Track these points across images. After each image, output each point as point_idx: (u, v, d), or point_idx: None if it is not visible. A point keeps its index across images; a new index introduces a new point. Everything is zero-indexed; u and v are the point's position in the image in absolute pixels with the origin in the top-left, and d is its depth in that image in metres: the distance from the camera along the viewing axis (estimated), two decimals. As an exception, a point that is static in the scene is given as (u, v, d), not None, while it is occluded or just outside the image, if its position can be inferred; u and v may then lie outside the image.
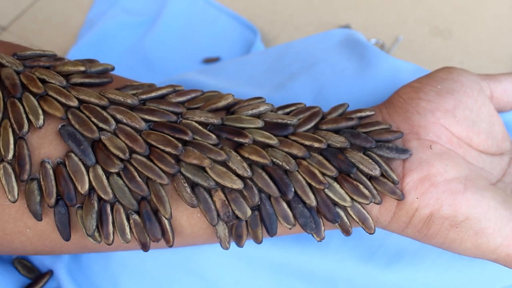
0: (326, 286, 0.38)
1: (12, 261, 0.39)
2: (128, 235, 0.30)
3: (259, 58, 0.51)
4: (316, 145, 0.31)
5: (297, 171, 0.30)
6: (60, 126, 0.30)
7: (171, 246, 0.31)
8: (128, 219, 0.30)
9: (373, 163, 0.31)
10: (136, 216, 0.30)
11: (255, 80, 0.47)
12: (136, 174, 0.30)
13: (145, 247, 0.31)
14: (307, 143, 0.31)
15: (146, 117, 0.31)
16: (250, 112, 0.32)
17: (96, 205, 0.30)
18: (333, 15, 0.86)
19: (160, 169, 0.29)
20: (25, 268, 0.39)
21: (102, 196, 0.29)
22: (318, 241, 0.31)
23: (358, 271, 0.37)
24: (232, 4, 0.85)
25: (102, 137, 0.30)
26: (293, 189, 0.30)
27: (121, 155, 0.29)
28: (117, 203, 0.30)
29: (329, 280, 0.38)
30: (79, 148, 0.29)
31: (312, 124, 0.32)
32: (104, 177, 0.29)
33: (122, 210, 0.30)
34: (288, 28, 0.84)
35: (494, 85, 0.35)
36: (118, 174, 0.30)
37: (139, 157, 0.30)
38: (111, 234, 0.30)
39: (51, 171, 0.29)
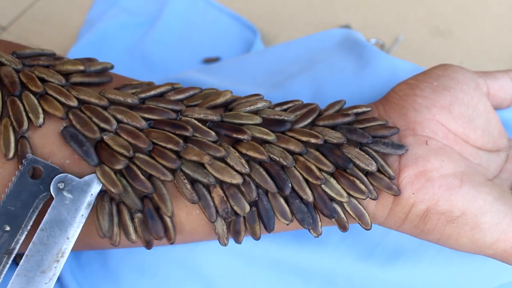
0: (324, 283, 0.38)
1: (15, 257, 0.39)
2: (133, 235, 0.30)
3: (258, 58, 0.51)
4: (313, 140, 0.31)
5: (294, 166, 0.31)
6: (62, 128, 0.30)
7: (172, 243, 0.31)
8: (131, 219, 0.30)
9: (370, 158, 0.31)
10: (140, 215, 0.30)
11: (254, 80, 0.47)
12: (139, 172, 0.29)
13: (149, 245, 0.31)
14: (304, 139, 0.31)
15: (146, 115, 0.31)
16: (248, 108, 0.32)
17: (107, 206, 0.30)
18: (333, 15, 0.86)
19: (162, 165, 0.29)
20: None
21: (112, 189, 0.29)
22: (315, 237, 0.31)
23: (357, 268, 0.37)
24: (232, 4, 0.85)
25: (104, 137, 0.29)
26: (290, 185, 0.30)
27: (125, 153, 0.29)
28: (121, 203, 0.30)
29: (327, 277, 0.38)
30: (82, 149, 0.29)
31: (309, 120, 0.32)
32: (112, 172, 0.29)
33: (125, 211, 0.30)
34: (288, 28, 0.84)
35: (490, 82, 0.35)
36: (121, 173, 0.30)
37: (141, 155, 0.30)
38: (117, 235, 0.30)
39: None
